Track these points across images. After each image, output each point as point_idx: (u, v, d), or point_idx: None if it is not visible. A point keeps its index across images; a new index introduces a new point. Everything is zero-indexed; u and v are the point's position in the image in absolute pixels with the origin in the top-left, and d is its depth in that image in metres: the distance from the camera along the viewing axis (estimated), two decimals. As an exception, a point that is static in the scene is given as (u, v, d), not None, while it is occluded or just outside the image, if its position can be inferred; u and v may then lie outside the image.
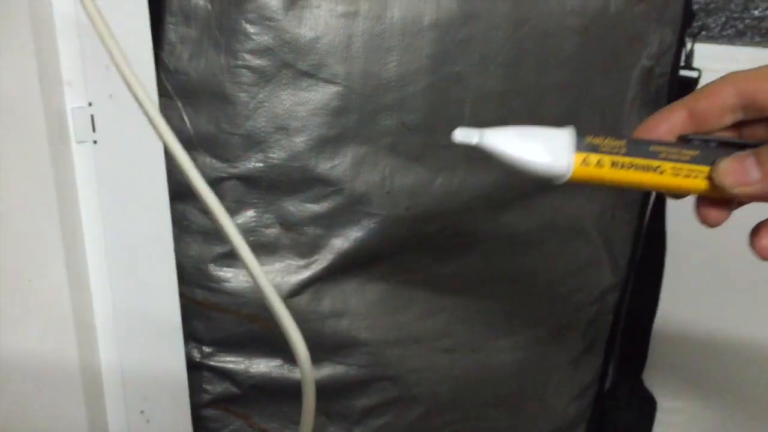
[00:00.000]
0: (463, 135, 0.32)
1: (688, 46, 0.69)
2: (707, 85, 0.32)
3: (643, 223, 0.72)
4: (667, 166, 0.33)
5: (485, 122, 0.52)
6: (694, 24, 0.72)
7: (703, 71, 0.69)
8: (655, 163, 0.33)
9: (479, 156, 0.53)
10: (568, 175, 0.32)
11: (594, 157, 0.32)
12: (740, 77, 0.31)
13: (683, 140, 0.33)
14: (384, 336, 0.53)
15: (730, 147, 0.32)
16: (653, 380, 0.80)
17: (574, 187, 0.61)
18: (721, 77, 0.31)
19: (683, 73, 0.68)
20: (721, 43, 0.74)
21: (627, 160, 0.32)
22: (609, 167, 0.32)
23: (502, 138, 0.32)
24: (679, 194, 0.35)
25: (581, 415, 0.74)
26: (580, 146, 0.32)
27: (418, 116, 0.50)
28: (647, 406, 0.80)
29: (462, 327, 0.57)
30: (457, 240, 0.56)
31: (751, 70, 0.31)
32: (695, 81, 0.68)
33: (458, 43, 0.49)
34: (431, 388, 0.56)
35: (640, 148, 0.33)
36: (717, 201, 0.33)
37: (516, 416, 0.63)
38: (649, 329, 0.77)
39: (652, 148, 0.33)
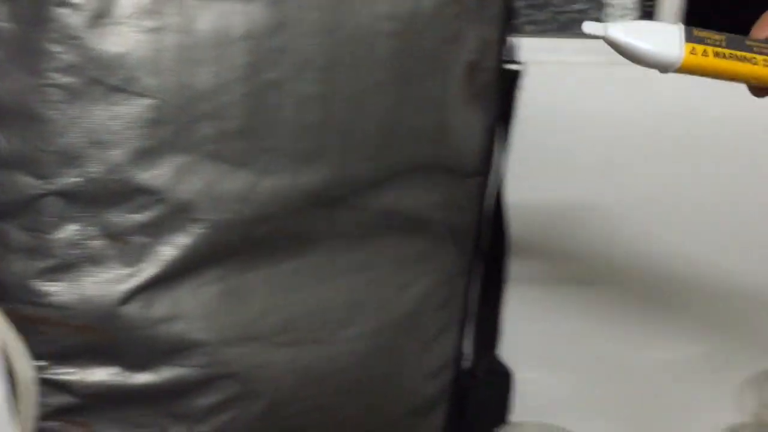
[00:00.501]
0: (591, 28, 0.38)
1: (513, 40, 0.73)
2: None
3: (483, 210, 0.76)
4: (760, 58, 0.38)
5: (307, 125, 0.55)
6: (519, 19, 0.77)
7: (532, 63, 0.74)
8: (749, 55, 0.38)
9: (305, 157, 0.56)
10: (679, 63, 0.37)
11: (700, 48, 0.37)
12: None
13: None
14: (222, 336, 0.55)
15: None
16: (509, 355, 0.85)
17: (412, 180, 0.65)
18: None
19: (509, 66, 0.72)
20: (549, 36, 0.79)
21: (727, 51, 0.37)
22: (713, 57, 0.37)
23: (624, 32, 0.37)
24: (765, 89, 0.40)
25: (440, 395, 0.77)
26: (689, 38, 0.37)
27: (238, 123, 0.52)
28: (505, 380, 0.85)
29: (304, 321, 0.60)
30: (292, 239, 0.58)
31: None
32: (519, 73, 0.72)
33: (272, 51, 0.52)
34: (274, 383, 0.58)
35: (736, 42, 0.38)
36: None
37: (368, 401, 0.66)
38: (499, 308, 0.82)
39: (747, 42, 0.38)
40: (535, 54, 0.76)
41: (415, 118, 0.61)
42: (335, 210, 0.59)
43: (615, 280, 0.83)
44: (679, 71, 0.38)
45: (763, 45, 0.39)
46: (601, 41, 0.75)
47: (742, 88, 0.42)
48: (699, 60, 0.38)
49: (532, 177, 0.78)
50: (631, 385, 0.87)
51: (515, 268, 0.81)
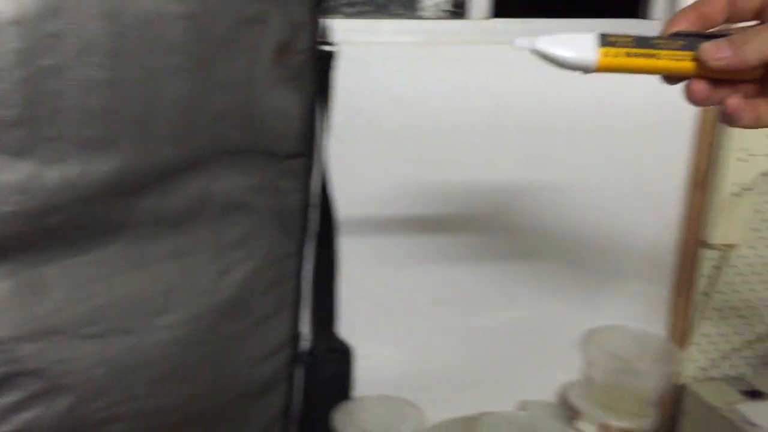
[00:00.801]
0: (521, 43, 0.43)
1: (329, 22, 0.74)
2: None
3: (311, 191, 0.77)
4: (664, 53, 0.44)
5: (94, 112, 0.54)
6: (337, 1, 0.77)
7: (349, 44, 0.75)
8: (654, 51, 0.44)
9: (95, 145, 0.55)
10: (596, 65, 0.43)
11: (613, 50, 0.44)
12: None
13: (675, 35, 0.45)
14: (18, 332, 0.53)
15: (710, 38, 0.43)
16: (348, 332, 0.86)
17: (222, 164, 0.65)
18: None
19: (324, 47, 0.73)
20: (366, 17, 0.80)
21: (635, 50, 0.44)
22: (623, 57, 0.44)
23: (549, 44, 0.43)
24: (674, 77, 0.45)
25: (275, 378, 0.78)
26: (603, 43, 0.44)
27: (15, 112, 0.50)
28: (346, 358, 0.86)
29: (112, 312, 0.59)
30: (91, 229, 0.57)
31: None
32: (334, 54, 0.73)
33: (47, 36, 0.50)
34: (82, 376, 0.57)
35: (643, 41, 0.44)
36: (701, 78, 0.44)
37: (189, 388, 0.65)
38: (334, 287, 0.83)
39: (652, 41, 0.44)
40: (355, 35, 0.77)
41: (217, 102, 0.61)
42: (138, 197, 0.59)
43: (442, 254, 0.86)
44: (598, 71, 0.44)
45: (668, 41, 0.45)
46: (415, 21, 0.77)
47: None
48: (611, 60, 0.44)
49: (355, 156, 0.80)
50: (466, 353, 0.91)
51: (347, 247, 0.82)
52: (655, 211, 0.92)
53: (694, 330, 0.95)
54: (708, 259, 0.94)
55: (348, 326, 0.86)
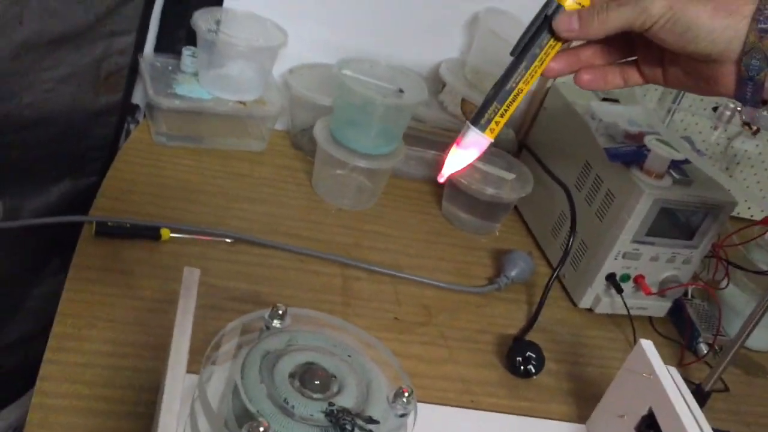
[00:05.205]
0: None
1: None
2: None
3: None
4: (521, 85, 0.45)
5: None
6: None
7: None
8: (515, 92, 0.45)
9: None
10: (492, 142, 0.47)
11: (492, 125, 0.46)
12: None
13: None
14: None
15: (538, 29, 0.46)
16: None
17: None
18: None
19: None
20: None
21: (503, 107, 0.46)
22: (500, 117, 0.46)
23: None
24: (550, 72, 0.48)
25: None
26: (482, 128, 0.46)
27: None
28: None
29: None
30: None
31: None
32: None
33: None
34: None
35: (502, 93, 0.45)
36: (564, 55, 0.48)
37: None
38: None
39: (508, 86, 0.45)
40: None
41: None
42: None
43: None
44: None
45: (517, 74, 0.45)
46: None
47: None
48: (499, 127, 0.46)
49: None
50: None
51: None
52: None
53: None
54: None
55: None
